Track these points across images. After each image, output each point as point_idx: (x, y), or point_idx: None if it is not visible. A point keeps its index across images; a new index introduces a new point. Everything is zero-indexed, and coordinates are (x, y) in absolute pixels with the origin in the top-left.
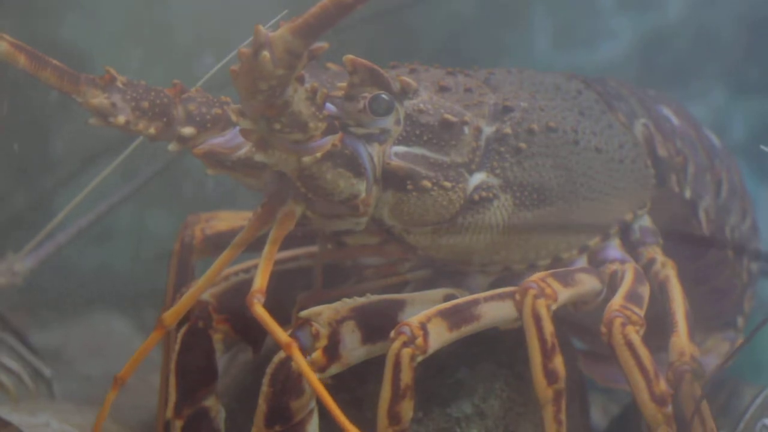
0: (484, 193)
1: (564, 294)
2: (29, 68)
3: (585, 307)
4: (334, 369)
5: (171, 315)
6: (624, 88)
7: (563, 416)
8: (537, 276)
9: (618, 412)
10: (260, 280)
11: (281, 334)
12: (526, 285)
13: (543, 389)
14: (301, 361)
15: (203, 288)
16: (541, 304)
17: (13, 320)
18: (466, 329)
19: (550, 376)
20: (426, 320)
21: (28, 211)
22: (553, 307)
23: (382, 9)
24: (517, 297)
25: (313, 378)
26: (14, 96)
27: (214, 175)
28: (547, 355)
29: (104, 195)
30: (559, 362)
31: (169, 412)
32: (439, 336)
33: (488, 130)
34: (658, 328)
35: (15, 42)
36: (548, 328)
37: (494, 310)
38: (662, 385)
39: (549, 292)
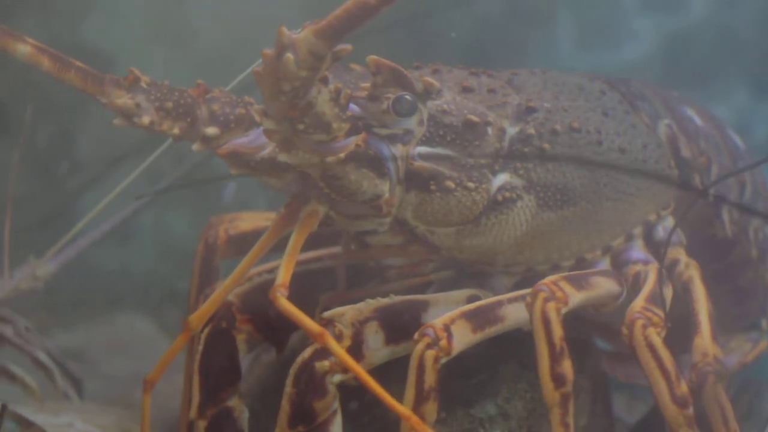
0: (507, 194)
1: (576, 297)
2: (53, 70)
3: (604, 309)
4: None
5: (197, 318)
6: (647, 89)
7: (570, 419)
8: (549, 279)
9: (643, 411)
10: (283, 275)
11: (311, 325)
12: (537, 288)
13: (550, 392)
14: (335, 347)
15: (229, 290)
16: (551, 307)
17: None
18: (490, 331)
19: (558, 379)
20: (450, 322)
21: (53, 214)
22: (564, 310)
23: (409, 15)
24: (528, 299)
25: (352, 362)
26: (38, 98)
27: (238, 175)
28: (555, 358)
29: (128, 199)
30: (567, 366)
31: (193, 413)
32: (463, 338)
33: (511, 130)
34: (681, 329)
35: (38, 44)
36: (557, 331)
37: (518, 311)
38: (683, 387)
39: (560, 296)
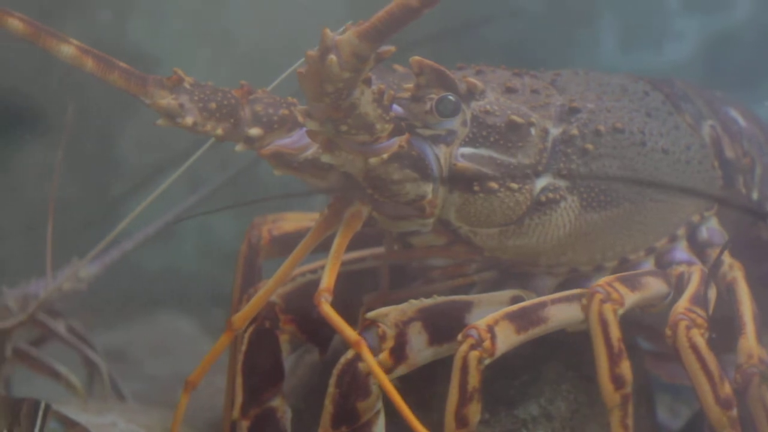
0: (550, 195)
1: (631, 298)
2: (96, 71)
3: (652, 310)
4: (401, 370)
5: (240, 318)
6: (691, 90)
7: (630, 421)
8: (604, 280)
9: (686, 415)
10: (327, 279)
11: (350, 332)
12: (592, 290)
13: (610, 394)
14: (370, 359)
15: (272, 290)
16: (608, 308)
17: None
18: (534, 332)
19: (617, 381)
20: (493, 323)
21: (97, 216)
22: (620, 311)
23: (456, 26)
24: (584, 302)
25: (382, 376)
26: (80, 99)
27: (281, 175)
28: (614, 360)
29: (171, 203)
30: (626, 367)
31: (236, 413)
32: (507, 339)
33: (555, 131)
34: (725, 330)
35: (82, 46)
36: (615, 333)
37: (561, 312)
38: (727, 388)
39: (616, 297)
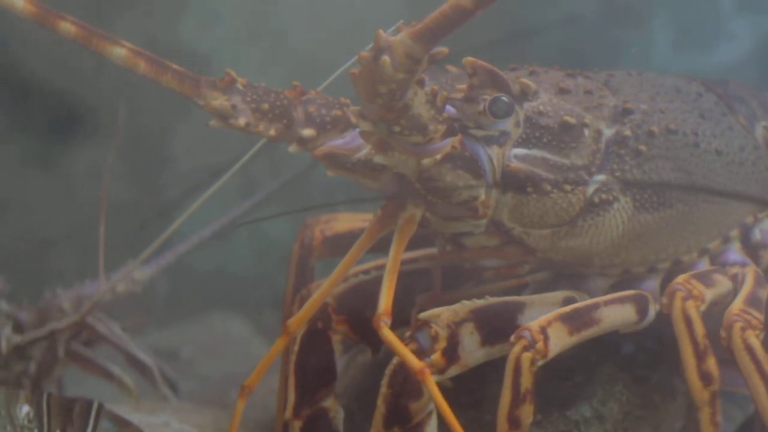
0: (603, 196)
1: (708, 294)
2: (149, 73)
3: (716, 308)
4: (453, 371)
5: (295, 322)
6: (744, 91)
7: (719, 418)
8: (681, 278)
9: (739, 417)
10: (385, 301)
11: (412, 360)
12: (673, 288)
13: (699, 391)
14: (432, 387)
15: (326, 292)
16: (691, 305)
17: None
18: (587, 333)
19: (705, 377)
20: (546, 324)
21: (151, 218)
22: (702, 308)
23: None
24: (665, 300)
25: (441, 401)
26: (133, 100)
27: (334, 176)
28: (700, 356)
29: (225, 204)
30: (712, 363)
31: (288, 413)
32: (560, 340)
33: (608, 132)
34: None
35: (134, 48)
36: (700, 329)
37: (614, 313)
38: None
39: (696, 294)
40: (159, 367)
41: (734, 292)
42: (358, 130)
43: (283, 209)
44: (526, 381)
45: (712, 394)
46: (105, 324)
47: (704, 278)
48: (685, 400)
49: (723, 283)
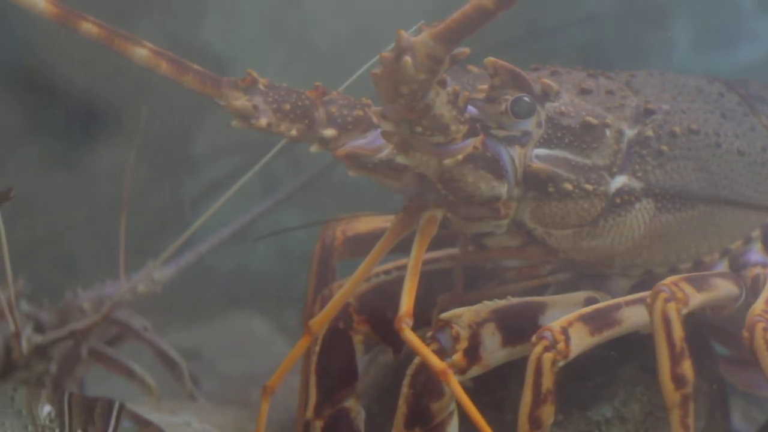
0: (625, 196)
1: (696, 298)
2: (170, 74)
3: (722, 311)
4: (475, 371)
5: (317, 322)
6: (766, 91)
7: (690, 421)
8: (670, 279)
9: (760, 419)
10: (407, 303)
11: (434, 360)
12: (657, 288)
13: (671, 393)
14: (456, 387)
15: (348, 293)
16: (672, 307)
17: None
18: (608, 334)
19: (678, 380)
20: (567, 325)
21: (172, 218)
22: (684, 311)
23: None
24: (648, 300)
25: (467, 401)
26: (154, 99)
27: (355, 176)
28: (675, 359)
29: (245, 204)
30: (687, 367)
31: (310, 413)
32: (581, 341)
33: (630, 132)
34: None
35: (155, 48)
36: (677, 332)
37: (636, 314)
38: None
39: (680, 296)
40: (182, 367)
41: (743, 296)
42: (379, 130)
43: (303, 210)
44: (548, 381)
45: (683, 396)
46: (136, 321)
47: (698, 282)
48: (706, 401)
49: (722, 287)
